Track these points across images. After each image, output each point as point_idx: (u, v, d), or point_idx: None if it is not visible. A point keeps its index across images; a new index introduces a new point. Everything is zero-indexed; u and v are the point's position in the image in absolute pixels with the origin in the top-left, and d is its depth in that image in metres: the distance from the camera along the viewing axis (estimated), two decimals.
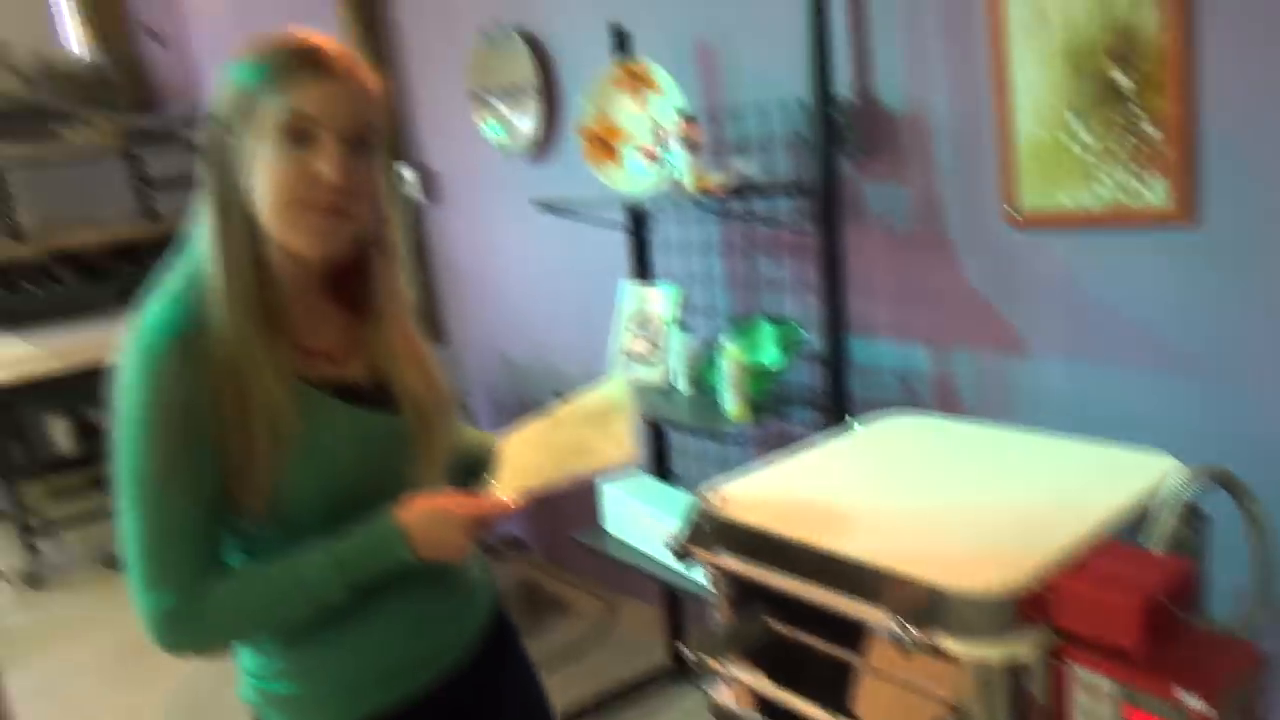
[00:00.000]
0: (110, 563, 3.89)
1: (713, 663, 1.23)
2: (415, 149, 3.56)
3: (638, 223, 2.35)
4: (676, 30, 2.28)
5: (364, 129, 1.00)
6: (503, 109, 2.92)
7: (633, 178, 2.16)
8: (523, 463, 1.17)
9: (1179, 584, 0.95)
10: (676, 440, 2.46)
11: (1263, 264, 1.46)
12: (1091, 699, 0.94)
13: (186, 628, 1.00)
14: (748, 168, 1.88)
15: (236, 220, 0.99)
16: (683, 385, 2.14)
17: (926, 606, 0.99)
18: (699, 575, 1.76)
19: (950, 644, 0.96)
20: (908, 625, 0.96)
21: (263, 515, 1.02)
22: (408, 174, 3.51)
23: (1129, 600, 0.91)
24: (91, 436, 5.21)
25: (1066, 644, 0.95)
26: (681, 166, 1.95)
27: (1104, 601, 0.92)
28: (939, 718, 1.00)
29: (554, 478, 1.14)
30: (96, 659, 3.20)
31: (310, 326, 1.08)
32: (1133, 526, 1.12)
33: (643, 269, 2.37)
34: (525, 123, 2.84)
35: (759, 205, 2.08)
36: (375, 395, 1.11)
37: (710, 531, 1.25)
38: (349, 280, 1.12)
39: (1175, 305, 1.57)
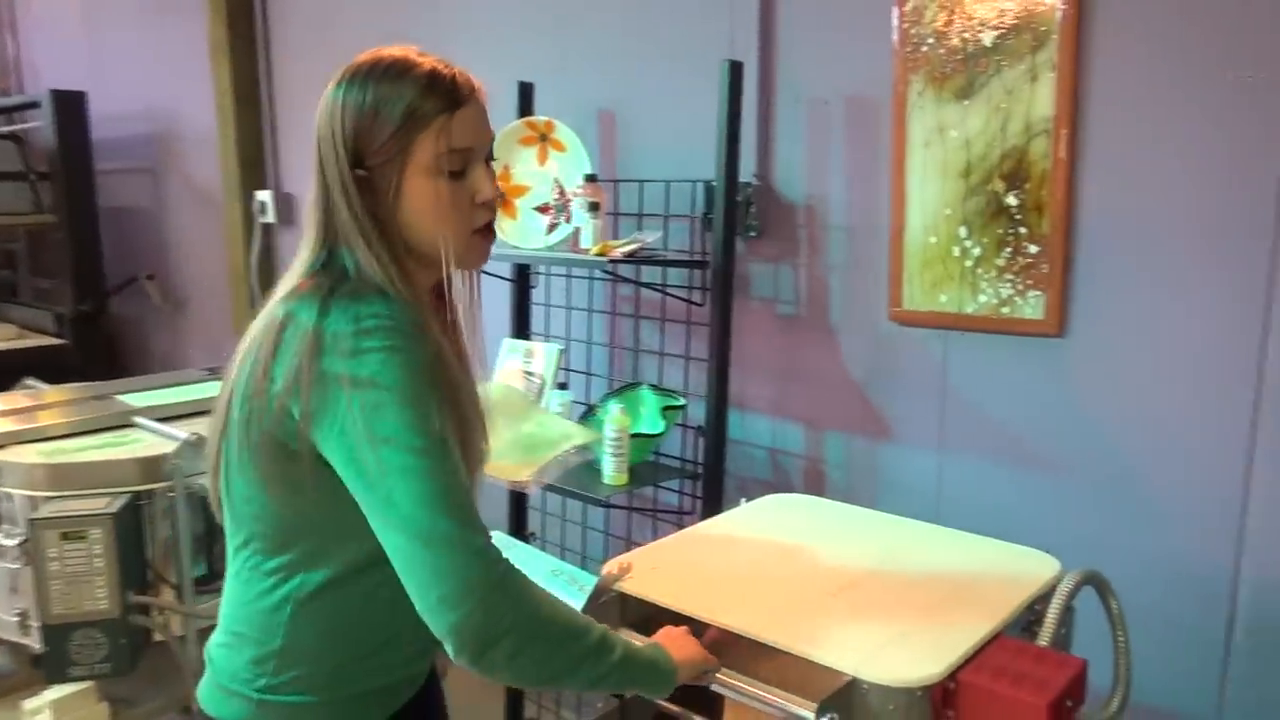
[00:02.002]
0: None
1: None
2: (276, 173, 3.39)
3: (523, 278, 2.31)
4: (580, 96, 2.30)
5: (491, 141, 1.06)
6: None
7: (525, 233, 2.13)
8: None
9: (1075, 681, 1.00)
10: (534, 499, 2.40)
11: (1119, 375, 1.60)
12: None
13: (503, 572, 0.91)
14: (649, 236, 1.90)
15: (396, 242, 1.01)
16: None
17: (843, 697, 1.00)
18: None
19: None
20: (831, 715, 0.96)
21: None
22: (264, 198, 3.34)
23: (1038, 699, 0.95)
24: None
25: None
26: (584, 228, 1.95)
27: (1014, 700, 0.96)
28: None
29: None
30: None
31: None
32: (1020, 621, 1.18)
33: (523, 325, 2.33)
34: None
35: (649, 274, 2.09)
36: None
37: (613, 607, 1.22)
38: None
39: (1038, 408, 1.69)
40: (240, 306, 3.51)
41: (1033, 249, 1.63)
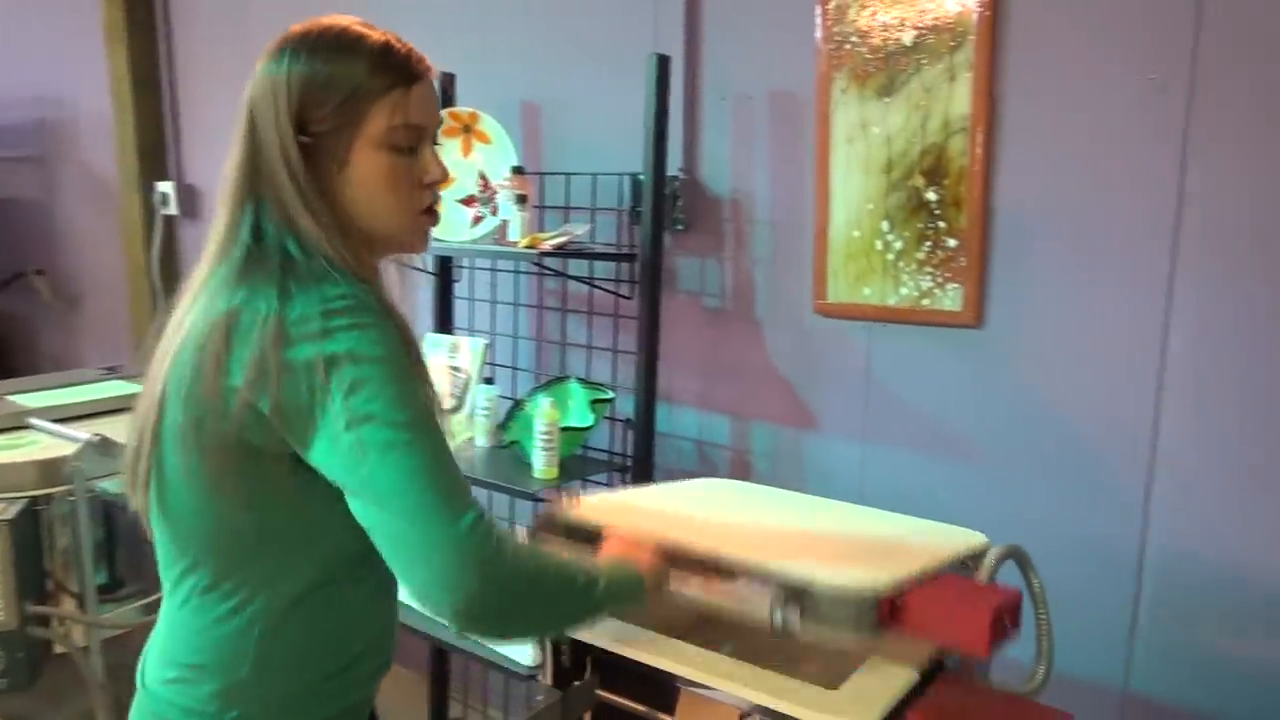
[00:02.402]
0: None
1: None
2: (179, 164, 3.26)
3: (445, 272, 2.28)
4: (503, 87, 2.28)
5: (440, 124, 1.05)
6: None
7: (450, 226, 2.10)
8: None
9: (1012, 604, 1.05)
10: None
11: (1033, 365, 1.67)
12: None
13: (496, 545, 0.87)
14: (578, 229, 1.90)
15: (340, 216, 0.96)
16: (482, 440, 2.07)
17: (797, 596, 1.01)
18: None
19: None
20: (786, 611, 0.98)
21: None
22: (166, 189, 3.20)
23: (980, 612, 0.99)
24: None
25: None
26: (511, 221, 1.93)
27: (958, 613, 1.00)
28: None
29: None
30: None
31: None
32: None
33: (446, 320, 2.29)
34: None
35: (576, 267, 2.09)
36: None
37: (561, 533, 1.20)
38: None
39: (958, 397, 1.75)
40: (139, 303, 3.35)
41: (951, 243, 1.68)
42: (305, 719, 1.01)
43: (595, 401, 1.98)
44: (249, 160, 0.95)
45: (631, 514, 1.23)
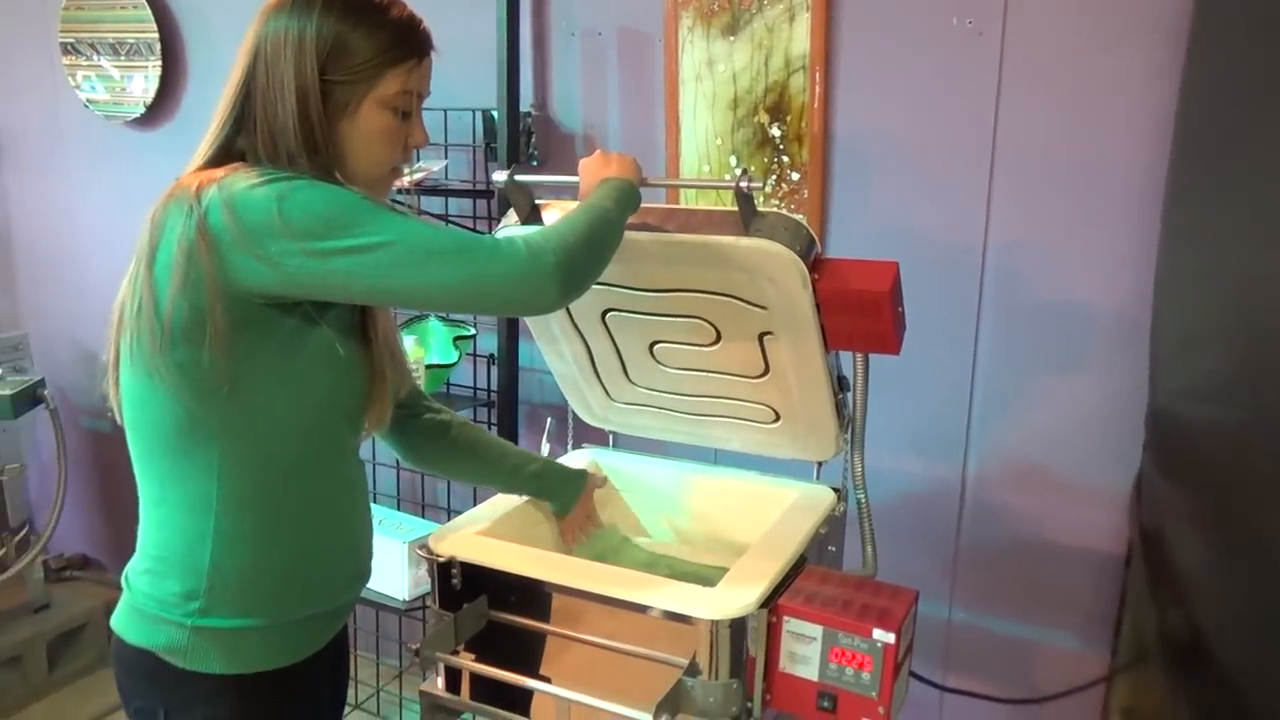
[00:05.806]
0: None
1: (443, 655, 1.23)
2: None
3: None
4: None
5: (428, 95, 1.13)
6: (107, 65, 2.55)
7: None
8: None
9: (897, 278, 1.24)
10: None
11: None
12: (802, 646, 1.13)
13: (525, 236, 0.98)
14: (435, 165, 1.88)
15: (331, 156, 1.04)
16: None
17: None
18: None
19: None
20: None
21: None
22: None
23: (880, 286, 1.20)
24: None
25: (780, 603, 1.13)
26: None
27: (860, 291, 1.21)
28: (672, 677, 1.12)
29: None
30: None
31: None
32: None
33: None
34: (137, 83, 2.51)
35: (428, 204, 2.08)
36: None
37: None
38: None
39: None
40: None
41: (795, 176, 1.80)
42: (271, 617, 1.06)
43: (457, 339, 2.01)
44: (243, 93, 1.03)
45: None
